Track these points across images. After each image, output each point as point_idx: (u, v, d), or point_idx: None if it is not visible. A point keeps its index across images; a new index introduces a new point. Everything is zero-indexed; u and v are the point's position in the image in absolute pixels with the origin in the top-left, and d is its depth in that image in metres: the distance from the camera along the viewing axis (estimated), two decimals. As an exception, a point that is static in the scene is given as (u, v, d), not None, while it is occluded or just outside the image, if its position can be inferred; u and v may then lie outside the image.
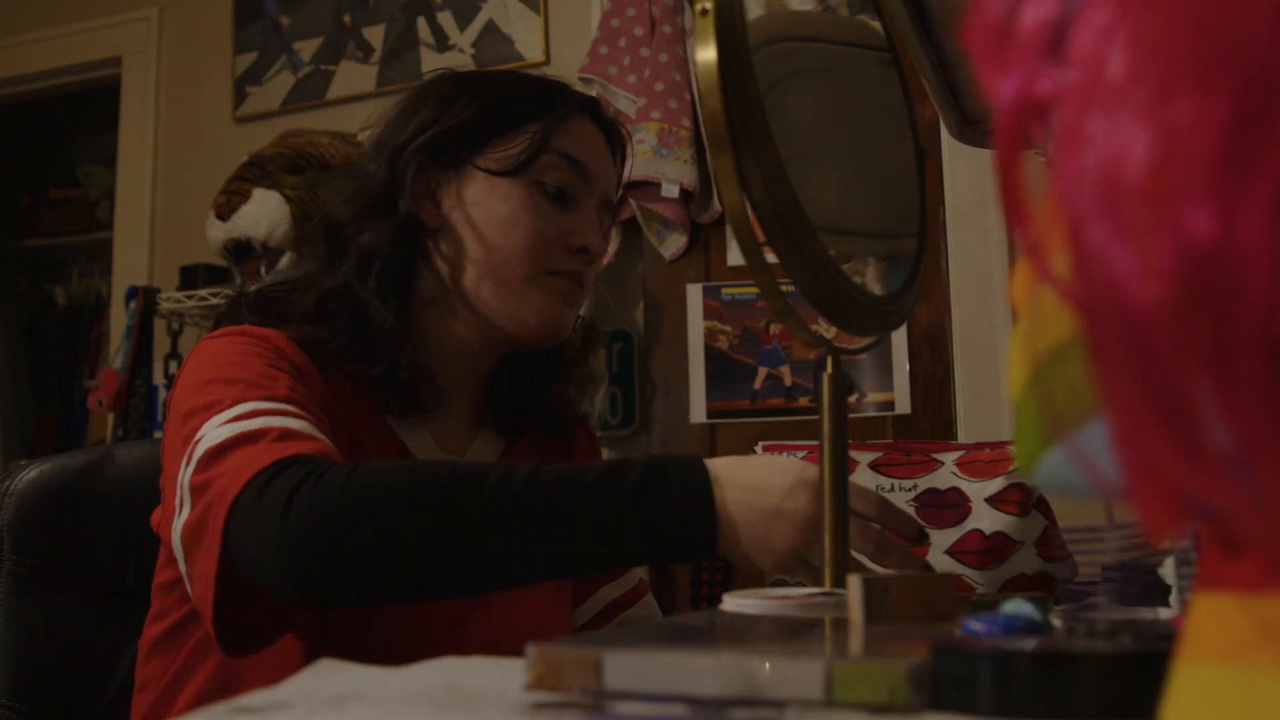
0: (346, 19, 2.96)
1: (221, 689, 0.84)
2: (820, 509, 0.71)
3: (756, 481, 0.73)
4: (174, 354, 2.74)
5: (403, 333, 0.92)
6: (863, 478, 1.11)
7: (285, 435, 0.75)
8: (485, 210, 0.94)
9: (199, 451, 0.75)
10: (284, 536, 0.68)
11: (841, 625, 0.56)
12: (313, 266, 0.96)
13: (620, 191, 1.07)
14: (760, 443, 1.25)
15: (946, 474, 1.09)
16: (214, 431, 0.76)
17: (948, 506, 1.07)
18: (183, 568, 0.76)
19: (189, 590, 0.77)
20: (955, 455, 1.11)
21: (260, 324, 0.90)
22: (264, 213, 2.32)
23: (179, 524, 0.76)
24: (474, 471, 0.71)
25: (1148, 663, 0.34)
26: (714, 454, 2.45)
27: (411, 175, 0.95)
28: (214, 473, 0.73)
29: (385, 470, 0.71)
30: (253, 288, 0.96)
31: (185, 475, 0.76)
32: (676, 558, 0.73)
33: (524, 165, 0.94)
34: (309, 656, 0.83)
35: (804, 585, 0.79)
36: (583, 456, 1.11)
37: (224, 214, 2.37)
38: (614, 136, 1.04)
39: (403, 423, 0.95)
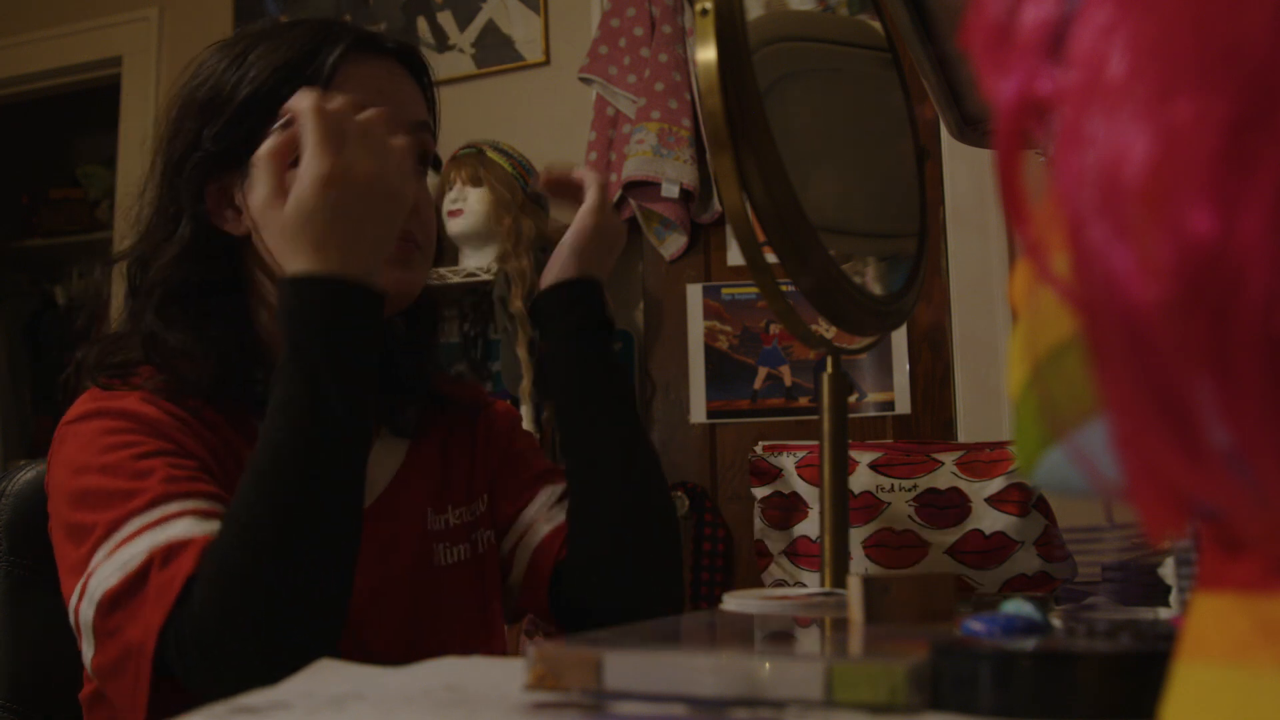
0: (346, 19, 2.96)
1: None
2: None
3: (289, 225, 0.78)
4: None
5: (242, 352, 0.89)
6: (863, 478, 1.11)
7: (168, 556, 0.75)
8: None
9: (96, 594, 0.76)
10: (234, 656, 0.72)
11: (841, 625, 0.56)
12: (131, 310, 0.91)
13: (435, 119, 0.98)
14: (760, 443, 1.25)
15: (946, 474, 1.09)
16: (102, 572, 0.76)
17: (948, 506, 1.07)
18: (100, 685, 0.79)
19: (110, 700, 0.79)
20: (955, 455, 1.11)
21: (109, 386, 0.86)
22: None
23: (89, 658, 0.78)
24: (265, 455, 0.76)
25: (1148, 663, 0.34)
26: (714, 455, 2.46)
27: (193, 194, 0.89)
28: (115, 622, 0.75)
29: (224, 543, 0.74)
30: (92, 349, 0.91)
31: (85, 614, 0.76)
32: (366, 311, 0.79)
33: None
34: None
35: (803, 585, 0.79)
36: (501, 438, 1.06)
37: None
38: (405, 59, 0.95)
39: None
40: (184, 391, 0.86)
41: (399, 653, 0.89)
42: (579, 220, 0.99)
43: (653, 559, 0.96)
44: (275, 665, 0.69)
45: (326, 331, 0.76)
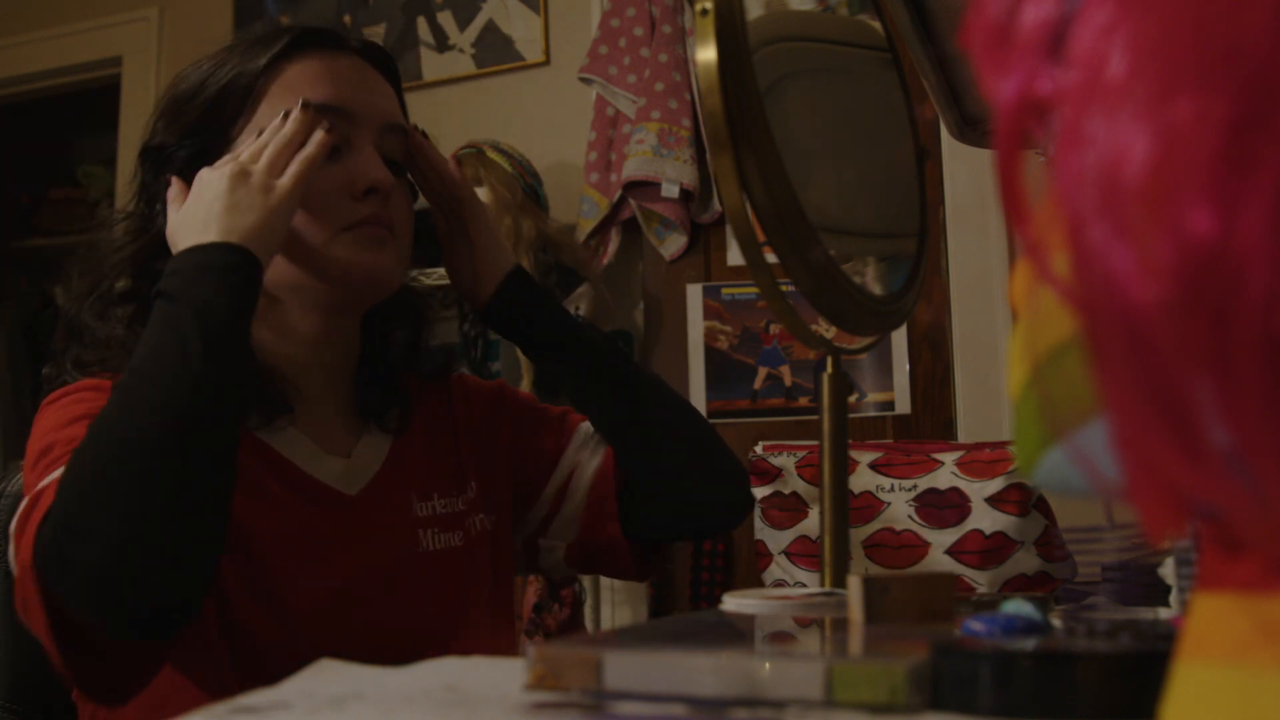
0: (347, 19, 2.96)
1: None
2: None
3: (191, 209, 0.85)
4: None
5: None
6: (863, 478, 1.11)
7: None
8: None
9: (11, 524, 0.77)
10: (67, 570, 0.71)
11: (841, 625, 0.56)
12: (101, 313, 0.93)
13: (405, 111, 1.00)
14: (760, 443, 1.25)
15: (946, 474, 1.09)
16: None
17: (948, 506, 1.07)
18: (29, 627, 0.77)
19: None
20: (955, 455, 1.11)
21: (87, 376, 0.88)
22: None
23: (17, 603, 0.77)
24: (111, 409, 0.75)
25: (1148, 663, 0.34)
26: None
27: (166, 196, 0.92)
28: (15, 552, 0.76)
29: (67, 473, 0.73)
30: (72, 346, 0.93)
31: (9, 549, 0.78)
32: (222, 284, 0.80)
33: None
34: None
35: (803, 585, 0.79)
36: (507, 414, 1.08)
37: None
38: (371, 56, 0.97)
39: (273, 433, 0.91)
40: None
41: (389, 633, 0.90)
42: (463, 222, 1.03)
43: (715, 462, 1.02)
44: (103, 582, 0.70)
45: (195, 278, 0.79)
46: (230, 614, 0.83)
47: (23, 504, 0.77)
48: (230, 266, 0.81)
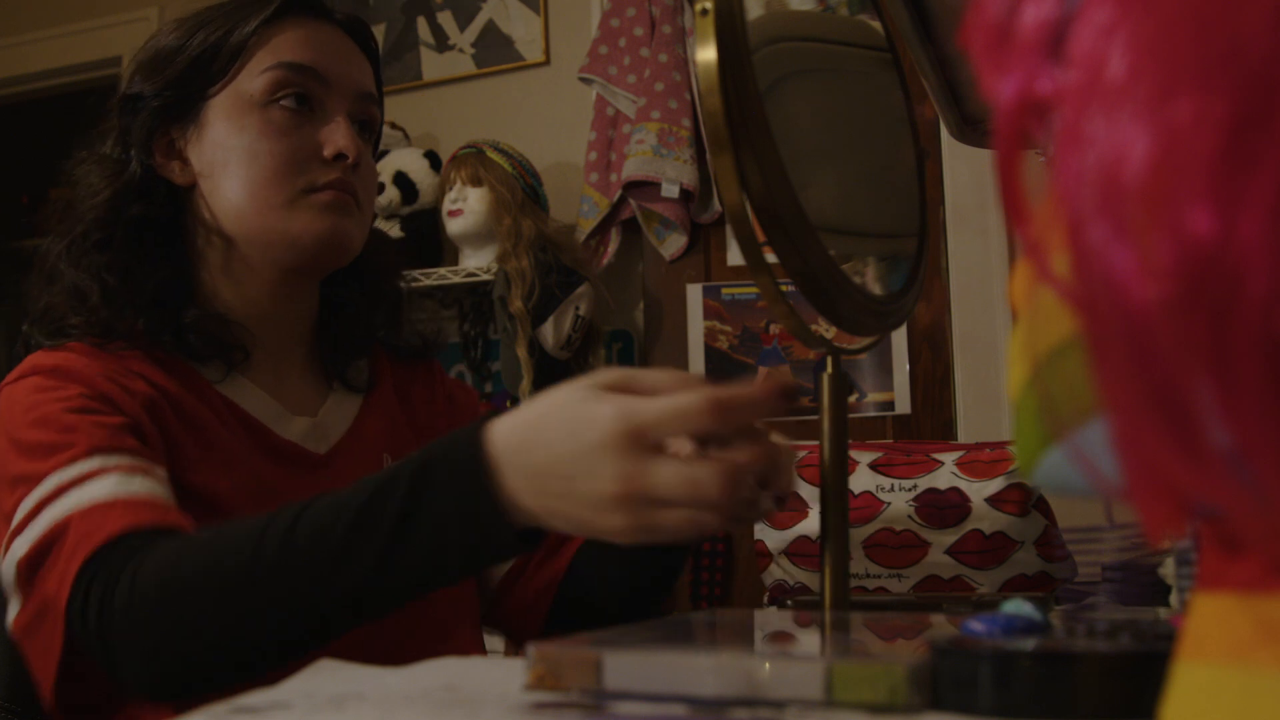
0: (346, 19, 2.96)
1: None
2: (630, 472, 0.58)
3: (544, 462, 0.61)
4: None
5: (176, 296, 0.91)
6: (863, 478, 1.11)
7: (89, 515, 0.75)
8: (226, 150, 0.92)
9: (18, 553, 0.76)
10: (113, 653, 0.71)
11: (841, 625, 0.56)
12: (59, 260, 0.94)
13: (380, 90, 1.01)
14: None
15: (946, 474, 1.09)
16: (27, 533, 0.76)
17: (948, 506, 1.07)
18: (21, 645, 0.78)
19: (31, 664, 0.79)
20: (955, 455, 1.11)
21: (54, 343, 0.88)
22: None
23: (11, 617, 0.77)
24: (239, 546, 0.69)
25: (1148, 663, 0.34)
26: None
27: (141, 143, 0.94)
28: (36, 577, 0.75)
29: (164, 565, 0.71)
30: (37, 315, 0.94)
31: (7, 572, 0.77)
32: (480, 565, 0.68)
33: (257, 94, 0.92)
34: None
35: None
36: (433, 391, 1.07)
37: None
38: (352, 29, 0.99)
39: (234, 387, 0.92)
40: (114, 340, 0.87)
41: None
42: None
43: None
44: (156, 678, 0.71)
45: (435, 500, 0.64)
46: None
47: (39, 528, 0.76)
48: (499, 544, 0.65)
